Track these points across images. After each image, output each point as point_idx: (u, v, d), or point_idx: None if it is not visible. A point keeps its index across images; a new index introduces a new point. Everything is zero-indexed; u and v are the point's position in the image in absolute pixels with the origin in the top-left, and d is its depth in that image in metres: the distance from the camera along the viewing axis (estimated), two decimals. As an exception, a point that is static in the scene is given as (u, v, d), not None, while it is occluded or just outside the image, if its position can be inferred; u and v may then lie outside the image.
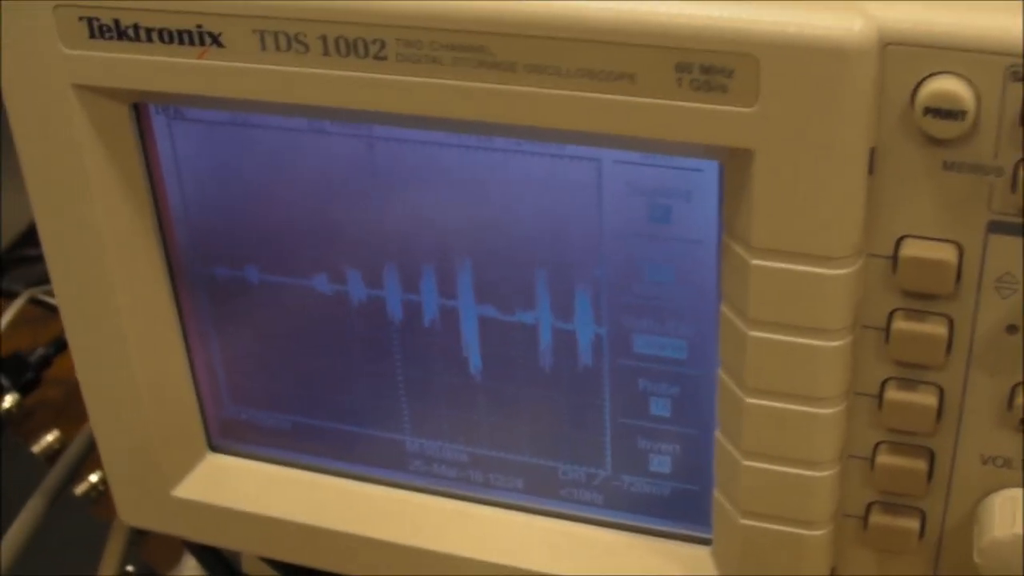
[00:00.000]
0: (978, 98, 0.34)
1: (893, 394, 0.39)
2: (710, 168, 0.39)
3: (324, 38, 0.38)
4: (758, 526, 0.42)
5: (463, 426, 0.47)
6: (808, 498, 0.41)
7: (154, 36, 0.40)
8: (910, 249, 0.36)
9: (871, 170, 0.36)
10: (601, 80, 0.36)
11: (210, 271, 0.47)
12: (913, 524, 0.41)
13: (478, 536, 0.48)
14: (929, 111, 0.34)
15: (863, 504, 0.41)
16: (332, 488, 0.50)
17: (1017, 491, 0.39)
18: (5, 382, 0.75)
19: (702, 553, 0.45)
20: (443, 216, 0.43)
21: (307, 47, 0.38)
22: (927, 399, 0.39)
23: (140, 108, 0.44)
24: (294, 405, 0.50)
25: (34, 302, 0.80)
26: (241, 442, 0.51)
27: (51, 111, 0.42)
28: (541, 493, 0.48)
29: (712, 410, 0.42)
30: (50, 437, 0.75)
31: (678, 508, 0.46)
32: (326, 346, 0.47)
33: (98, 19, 0.40)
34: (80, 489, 0.71)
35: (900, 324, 0.38)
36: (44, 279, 0.79)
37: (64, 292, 0.46)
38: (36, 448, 0.75)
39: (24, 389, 0.76)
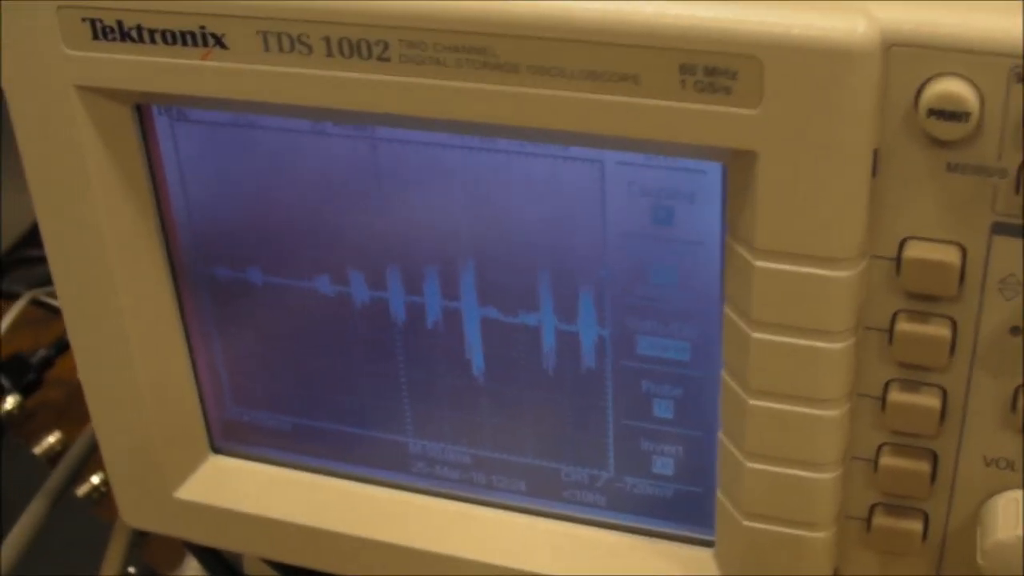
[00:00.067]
0: (982, 100, 0.34)
1: (896, 396, 0.39)
2: (713, 170, 0.39)
3: (327, 39, 0.38)
4: (761, 528, 0.42)
5: (466, 428, 0.47)
6: (811, 500, 0.41)
7: (157, 37, 0.40)
8: (913, 251, 0.36)
9: (874, 172, 0.36)
10: (604, 81, 0.36)
11: (212, 272, 0.47)
12: (916, 526, 0.41)
13: (480, 538, 0.48)
14: (933, 113, 0.34)
15: (866, 506, 0.41)
16: (334, 490, 0.50)
17: (1020, 493, 0.39)
18: (6, 383, 0.75)
19: (705, 555, 0.45)
20: (446, 218, 0.43)
21: (310, 48, 0.38)
22: (930, 401, 0.39)
23: (143, 109, 0.44)
24: (296, 406, 0.50)
25: (35, 303, 0.80)
26: (243, 443, 0.51)
27: (53, 112, 0.42)
28: (544, 495, 0.48)
29: (715, 412, 0.42)
30: (52, 438, 0.76)
31: (681, 510, 0.46)
32: (329, 347, 0.47)
33: (101, 20, 0.40)
34: (82, 490, 0.71)
35: (903, 326, 0.38)
36: (45, 280, 0.79)
37: (66, 293, 0.46)
38: (38, 449, 0.75)
39: (26, 390, 0.76)
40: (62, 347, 0.78)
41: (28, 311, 0.80)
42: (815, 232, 0.36)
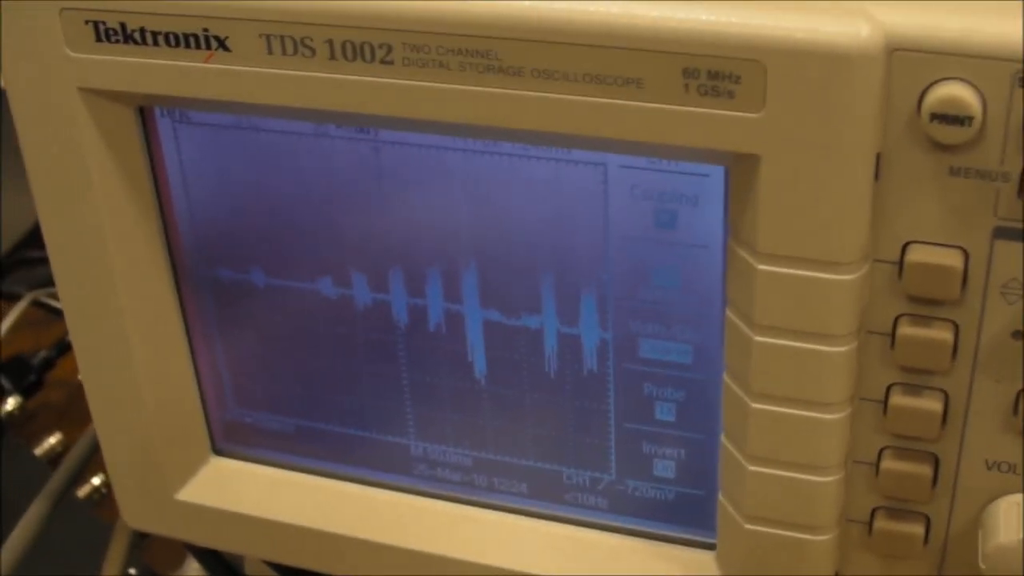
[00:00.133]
0: (984, 104, 0.34)
1: (898, 399, 0.39)
2: (716, 173, 0.39)
3: (330, 42, 0.38)
4: (763, 531, 0.42)
5: (467, 430, 0.47)
6: (813, 503, 0.41)
7: (160, 40, 0.40)
8: (916, 254, 0.36)
9: (877, 175, 0.36)
10: (608, 85, 0.36)
11: (215, 274, 0.47)
12: (918, 529, 0.41)
13: (482, 540, 0.48)
14: (935, 117, 0.34)
15: (868, 509, 0.41)
16: (336, 492, 0.50)
17: (1022, 496, 0.39)
18: (7, 384, 0.76)
19: (706, 558, 0.45)
20: (448, 220, 0.43)
21: (313, 51, 0.38)
22: (932, 404, 0.39)
23: (145, 111, 0.44)
24: (298, 408, 0.50)
25: (36, 304, 0.80)
26: (245, 445, 0.51)
27: (56, 114, 0.42)
28: (545, 497, 0.48)
29: (717, 415, 0.42)
30: (52, 439, 0.76)
31: (682, 513, 0.46)
32: (330, 349, 0.47)
33: (104, 22, 0.40)
34: (83, 492, 0.71)
35: (905, 329, 0.38)
36: (46, 281, 0.79)
37: (68, 294, 0.46)
38: (38, 450, 0.75)
39: (26, 391, 0.76)
40: (63, 348, 0.78)
41: (29, 312, 0.80)
42: (817, 236, 0.36)
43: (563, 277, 0.43)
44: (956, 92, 0.34)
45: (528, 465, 0.47)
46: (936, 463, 0.40)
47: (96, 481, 0.72)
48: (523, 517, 0.48)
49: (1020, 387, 0.38)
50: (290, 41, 0.38)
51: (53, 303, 0.79)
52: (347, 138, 0.42)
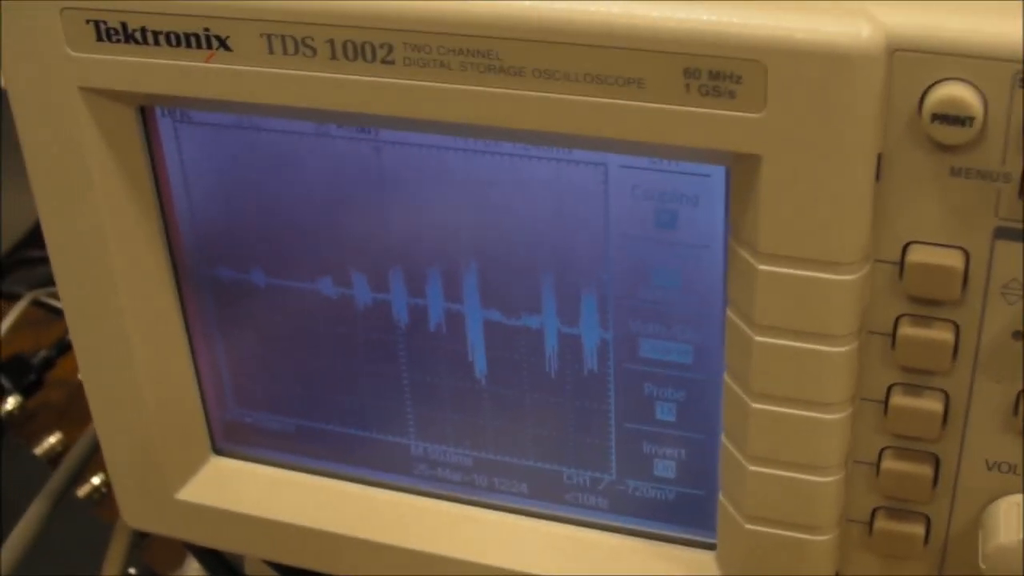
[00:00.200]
0: (985, 104, 0.34)
1: (899, 400, 0.39)
2: (717, 173, 0.39)
3: (331, 42, 0.38)
4: (763, 531, 0.42)
5: (468, 430, 0.47)
6: (813, 503, 0.41)
7: (161, 39, 0.40)
8: (917, 255, 0.36)
9: (878, 176, 0.36)
10: (609, 85, 0.36)
11: (215, 273, 0.47)
12: (918, 529, 0.41)
13: (482, 540, 0.48)
14: (936, 117, 0.34)
15: (868, 509, 0.41)
16: (336, 491, 0.50)
17: (1022, 497, 0.39)
18: (7, 384, 0.76)
19: (706, 558, 0.45)
20: (449, 220, 0.43)
21: (314, 51, 0.38)
22: (933, 405, 0.39)
23: (146, 111, 0.44)
24: (298, 408, 0.50)
25: (36, 304, 0.80)
26: (245, 445, 0.51)
27: (57, 113, 0.42)
28: (546, 497, 0.48)
29: (717, 415, 0.42)
30: (52, 439, 0.76)
31: (683, 513, 0.46)
32: (331, 349, 0.47)
33: (105, 22, 0.40)
34: (83, 491, 0.71)
35: (906, 330, 0.38)
36: (46, 281, 0.79)
37: (69, 294, 0.46)
38: (38, 450, 0.75)
39: (26, 391, 0.76)
40: (63, 348, 0.78)
41: (29, 312, 0.80)
42: (818, 236, 0.36)
43: (564, 277, 0.43)
44: (957, 92, 0.34)
45: (528, 465, 0.47)
46: (936, 463, 0.40)
47: (96, 481, 0.72)
48: (523, 517, 0.48)
49: (1020, 387, 0.38)
50: (291, 41, 0.38)
51: (53, 303, 0.79)
52: (348, 138, 0.42)
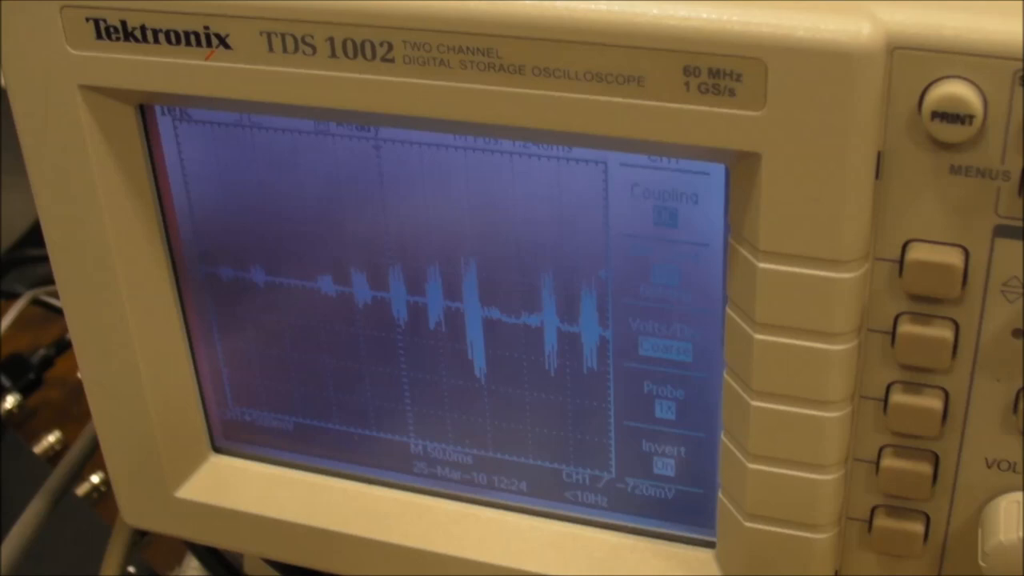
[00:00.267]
0: (985, 102, 0.34)
1: (898, 397, 0.39)
2: (717, 171, 0.39)
3: (331, 40, 0.38)
4: (763, 529, 0.42)
5: (467, 428, 0.47)
6: (813, 501, 0.41)
7: (161, 37, 0.40)
8: (916, 253, 0.36)
9: (878, 174, 0.36)
10: (609, 83, 0.36)
11: (215, 272, 0.47)
12: (917, 528, 0.41)
13: (482, 538, 0.48)
14: (936, 115, 0.34)
15: (868, 507, 0.41)
16: (335, 490, 0.50)
17: (1022, 495, 0.39)
18: (7, 383, 0.76)
19: (706, 556, 0.45)
20: (448, 218, 0.43)
21: (314, 49, 0.38)
22: (932, 403, 0.39)
23: (146, 109, 0.44)
24: (298, 406, 0.50)
25: (36, 303, 0.80)
26: (244, 443, 0.51)
27: (56, 112, 0.42)
28: (545, 496, 0.48)
29: (717, 413, 0.42)
30: (51, 438, 0.76)
31: (682, 511, 0.46)
32: (331, 348, 0.47)
33: (105, 20, 0.40)
34: (82, 490, 0.71)
35: (906, 328, 0.38)
36: (46, 280, 0.79)
37: (68, 292, 0.46)
38: (38, 449, 0.75)
39: (26, 390, 0.76)
40: (62, 346, 0.78)
41: (28, 311, 0.80)
42: (818, 234, 0.36)
43: (563, 275, 0.43)
44: (957, 90, 0.34)
45: (528, 463, 0.47)
46: (936, 461, 0.40)
47: (95, 479, 0.72)
48: (523, 515, 0.48)
49: (1020, 385, 0.38)
50: (291, 39, 0.38)
51: (52, 301, 0.79)
52: (347, 136, 0.42)
